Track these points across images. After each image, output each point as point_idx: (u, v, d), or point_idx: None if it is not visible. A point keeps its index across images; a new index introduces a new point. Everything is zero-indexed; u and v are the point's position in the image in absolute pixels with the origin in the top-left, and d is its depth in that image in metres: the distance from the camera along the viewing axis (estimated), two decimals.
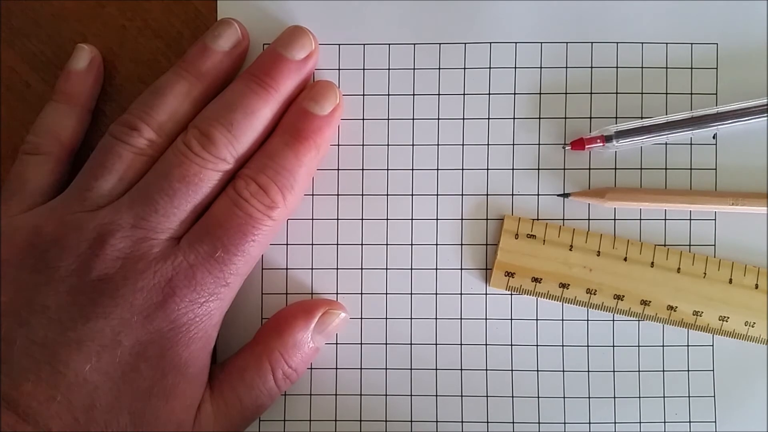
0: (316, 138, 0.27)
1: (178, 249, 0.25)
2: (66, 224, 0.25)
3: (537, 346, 0.29)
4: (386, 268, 0.29)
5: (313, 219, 0.29)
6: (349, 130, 0.29)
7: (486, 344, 0.29)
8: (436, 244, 0.29)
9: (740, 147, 0.29)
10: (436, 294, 0.29)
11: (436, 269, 0.29)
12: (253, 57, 0.29)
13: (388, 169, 0.29)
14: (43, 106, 0.29)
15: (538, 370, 0.29)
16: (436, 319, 0.29)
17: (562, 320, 0.29)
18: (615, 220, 0.29)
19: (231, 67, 0.28)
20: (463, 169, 0.29)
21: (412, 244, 0.29)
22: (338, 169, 0.30)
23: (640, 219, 0.29)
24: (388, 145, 0.29)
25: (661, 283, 0.29)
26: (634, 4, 0.29)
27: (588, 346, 0.29)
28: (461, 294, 0.29)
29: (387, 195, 0.29)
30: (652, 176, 0.29)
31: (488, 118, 0.29)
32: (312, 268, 0.29)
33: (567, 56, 0.29)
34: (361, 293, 0.29)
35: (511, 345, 0.29)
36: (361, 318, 0.29)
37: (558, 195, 0.29)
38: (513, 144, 0.29)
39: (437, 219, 0.29)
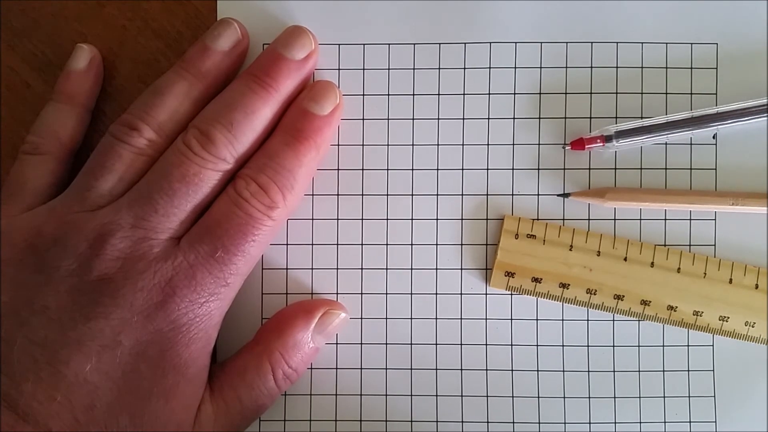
0: (316, 138, 0.27)
1: (178, 249, 0.25)
2: (66, 224, 0.25)
3: (537, 346, 0.29)
4: (386, 268, 0.29)
5: (313, 219, 0.29)
6: (349, 130, 0.29)
7: (486, 344, 0.29)
8: (436, 244, 0.29)
9: (740, 147, 0.29)
10: (436, 294, 0.29)
11: (436, 269, 0.29)
12: (253, 57, 0.29)
13: (388, 169, 0.29)
14: (43, 106, 0.29)
15: (538, 370, 0.29)
16: (436, 319, 0.29)
17: (562, 320, 0.29)
18: (615, 220, 0.29)
19: (231, 67, 0.28)
20: (463, 169, 0.29)
21: (412, 244, 0.29)
22: (338, 169, 0.30)
23: (640, 219, 0.29)
24: (388, 145, 0.29)
25: (661, 283, 0.29)
26: (634, 4, 0.29)
27: (588, 346, 0.29)
28: (461, 294, 0.29)
29: (387, 195, 0.29)
30: (652, 176, 0.29)
31: (488, 118, 0.29)
32: (312, 268, 0.29)
33: (567, 56, 0.29)
34: (361, 293, 0.29)
35: (511, 345, 0.29)
36: (361, 318, 0.29)
37: (558, 195, 0.29)
38: (513, 144, 0.29)
39: (437, 219, 0.29)
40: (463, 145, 0.29)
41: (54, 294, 0.24)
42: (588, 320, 0.29)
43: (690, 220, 0.29)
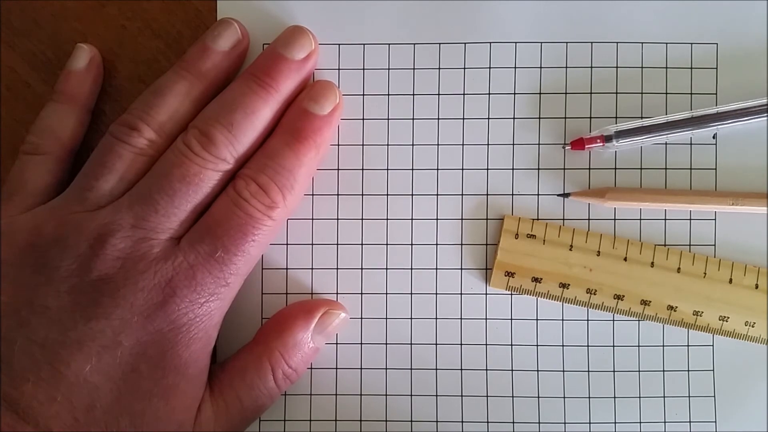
0: (316, 138, 0.27)
1: (178, 249, 0.25)
2: (66, 224, 0.25)
3: (537, 346, 0.29)
4: (386, 268, 0.29)
5: (313, 219, 0.29)
6: (349, 130, 0.29)
7: (486, 344, 0.29)
8: (436, 244, 0.29)
9: (740, 147, 0.29)
10: (436, 294, 0.29)
11: (436, 269, 0.29)
12: (253, 57, 0.29)
13: (388, 169, 0.29)
14: (43, 106, 0.29)
15: (538, 370, 0.29)
16: (436, 319, 0.29)
17: (562, 320, 0.29)
18: (615, 220, 0.29)
19: (231, 67, 0.28)
20: (463, 169, 0.29)
21: (412, 244, 0.29)
22: (338, 169, 0.30)
23: (640, 219, 0.29)
24: (388, 145, 0.29)
25: (661, 283, 0.29)
26: (634, 4, 0.29)
27: (588, 346, 0.29)
28: (461, 294, 0.29)
29: (387, 195, 0.29)
30: (652, 176, 0.29)
31: (488, 118, 0.29)
32: (312, 268, 0.29)
33: (567, 56, 0.29)
34: (361, 293, 0.29)
35: (511, 345, 0.29)
36: (361, 318, 0.29)
37: (558, 195, 0.29)
38: (513, 144, 0.29)
39: (437, 219, 0.29)
40: (463, 145, 0.29)
41: (54, 294, 0.24)
42: (588, 320, 0.29)
43: (690, 220, 0.29)
